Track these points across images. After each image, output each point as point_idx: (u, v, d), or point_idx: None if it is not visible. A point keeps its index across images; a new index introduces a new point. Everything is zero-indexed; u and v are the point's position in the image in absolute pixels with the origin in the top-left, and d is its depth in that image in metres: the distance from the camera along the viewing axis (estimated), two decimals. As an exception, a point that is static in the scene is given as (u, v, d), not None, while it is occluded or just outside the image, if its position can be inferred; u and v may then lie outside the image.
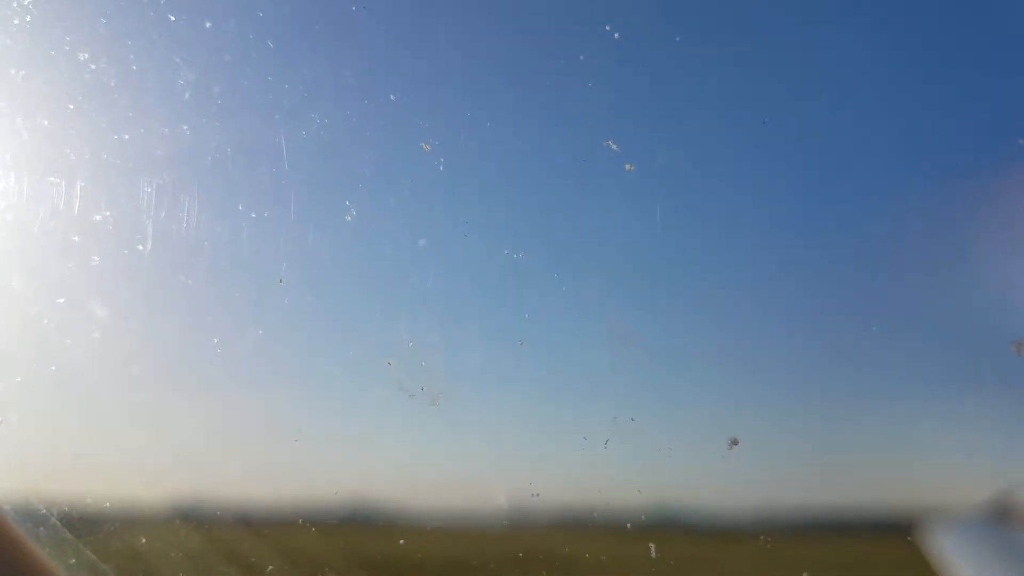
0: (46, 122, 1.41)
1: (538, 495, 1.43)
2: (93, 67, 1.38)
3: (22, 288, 1.47)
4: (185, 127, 1.41)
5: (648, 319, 1.63)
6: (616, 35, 1.32)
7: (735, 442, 1.28)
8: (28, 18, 1.37)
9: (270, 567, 1.54)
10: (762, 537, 1.74)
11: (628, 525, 1.70)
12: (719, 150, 1.56)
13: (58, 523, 1.46)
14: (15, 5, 1.37)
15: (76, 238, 1.42)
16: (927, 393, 1.68)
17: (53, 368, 1.51)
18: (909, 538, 1.67)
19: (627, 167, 1.31)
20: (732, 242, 1.60)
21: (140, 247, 1.41)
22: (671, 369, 1.69)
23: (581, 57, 1.38)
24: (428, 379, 1.51)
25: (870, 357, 1.68)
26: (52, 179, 1.43)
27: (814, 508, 1.77)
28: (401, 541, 1.65)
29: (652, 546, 1.67)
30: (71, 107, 1.40)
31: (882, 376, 1.70)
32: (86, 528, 1.47)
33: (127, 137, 1.44)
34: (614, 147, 1.31)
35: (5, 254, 1.41)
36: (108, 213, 1.43)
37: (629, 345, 1.62)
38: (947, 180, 1.58)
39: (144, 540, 1.46)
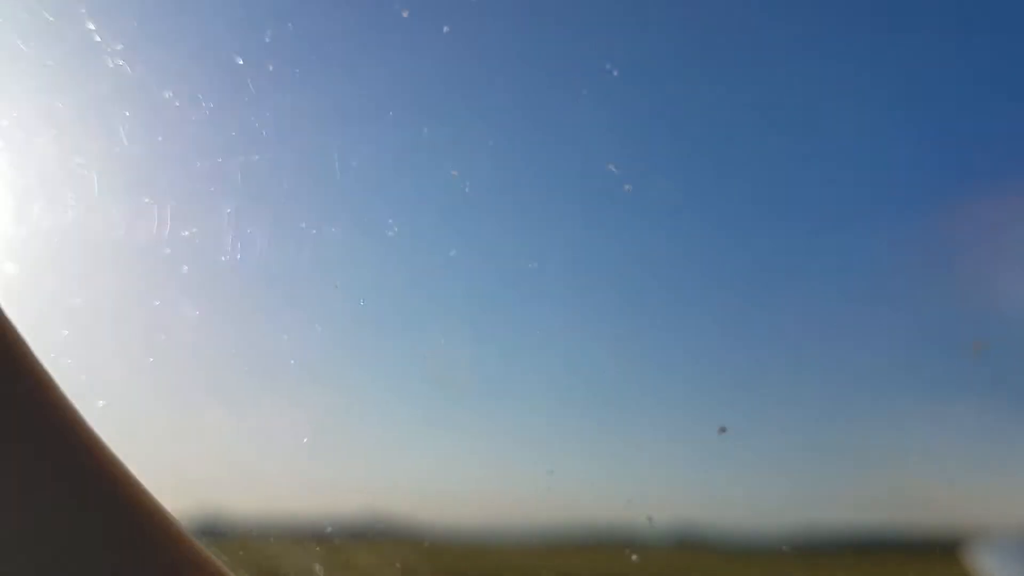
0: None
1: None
2: (178, 104, 1.47)
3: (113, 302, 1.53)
4: (256, 156, 1.48)
5: (661, 327, 1.61)
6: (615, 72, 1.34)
7: (723, 430, 1.26)
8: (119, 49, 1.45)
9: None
10: (798, 556, 1.69)
11: (646, 543, 1.67)
12: (719, 149, 1.56)
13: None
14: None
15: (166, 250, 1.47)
16: (969, 408, 1.62)
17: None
18: (953, 557, 1.61)
19: (625, 187, 1.33)
20: (748, 253, 1.58)
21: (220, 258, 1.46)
22: (690, 383, 1.66)
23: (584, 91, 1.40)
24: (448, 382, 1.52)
25: (907, 369, 1.63)
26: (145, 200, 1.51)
27: (854, 527, 1.72)
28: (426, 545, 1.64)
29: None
30: (160, 139, 1.48)
31: (922, 391, 1.65)
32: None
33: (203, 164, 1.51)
34: (614, 169, 1.34)
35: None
36: (193, 230, 1.48)
37: (645, 354, 1.61)
38: (941, 183, 1.53)
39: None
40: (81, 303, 1.53)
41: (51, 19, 1.44)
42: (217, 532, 1.65)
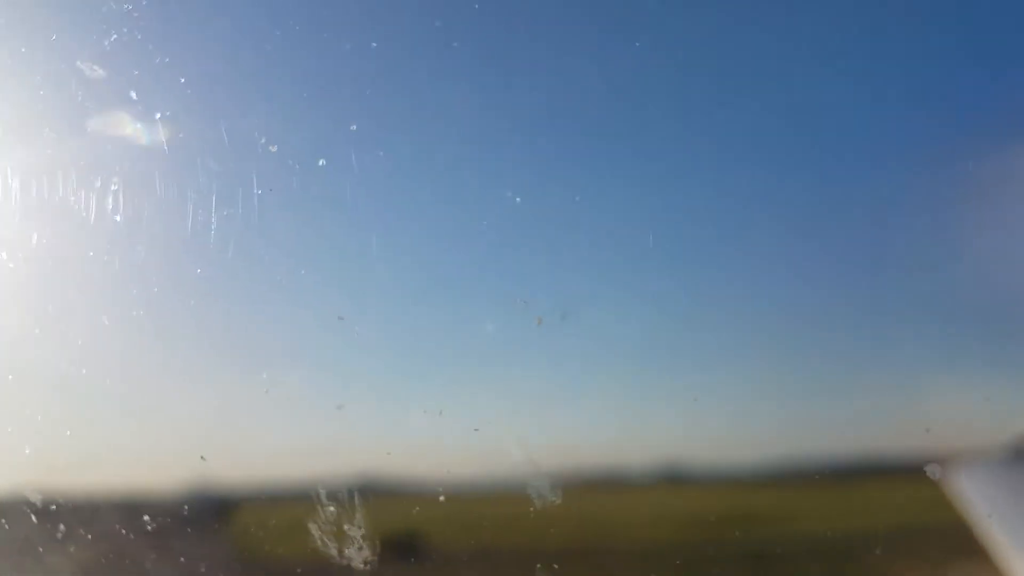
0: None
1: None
2: (168, 113, 1.44)
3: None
4: (269, 188, 1.46)
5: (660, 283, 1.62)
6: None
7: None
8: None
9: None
10: (785, 482, 1.73)
11: (638, 480, 1.70)
12: (717, 148, 1.56)
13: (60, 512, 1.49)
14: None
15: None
16: (947, 338, 1.65)
17: (84, 371, 1.54)
18: (931, 479, 1.66)
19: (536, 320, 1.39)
20: (740, 217, 1.59)
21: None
22: (681, 319, 1.68)
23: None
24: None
25: (889, 304, 1.65)
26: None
27: (835, 453, 1.77)
28: (416, 509, 1.66)
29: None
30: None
31: (901, 322, 1.67)
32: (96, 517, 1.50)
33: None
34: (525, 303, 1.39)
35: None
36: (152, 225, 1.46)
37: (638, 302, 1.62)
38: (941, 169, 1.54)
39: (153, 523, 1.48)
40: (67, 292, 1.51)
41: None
42: (211, 503, 1.66)
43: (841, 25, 1.50)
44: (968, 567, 1.66)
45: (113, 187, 1.46)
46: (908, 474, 1.72)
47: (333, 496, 1.51)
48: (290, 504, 1.63)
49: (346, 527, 1.50)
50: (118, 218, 1.48)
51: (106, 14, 1.44)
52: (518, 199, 1.49)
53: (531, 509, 1.64)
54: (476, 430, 1.52)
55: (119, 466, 1.57)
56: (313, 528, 1.48)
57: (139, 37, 1.45)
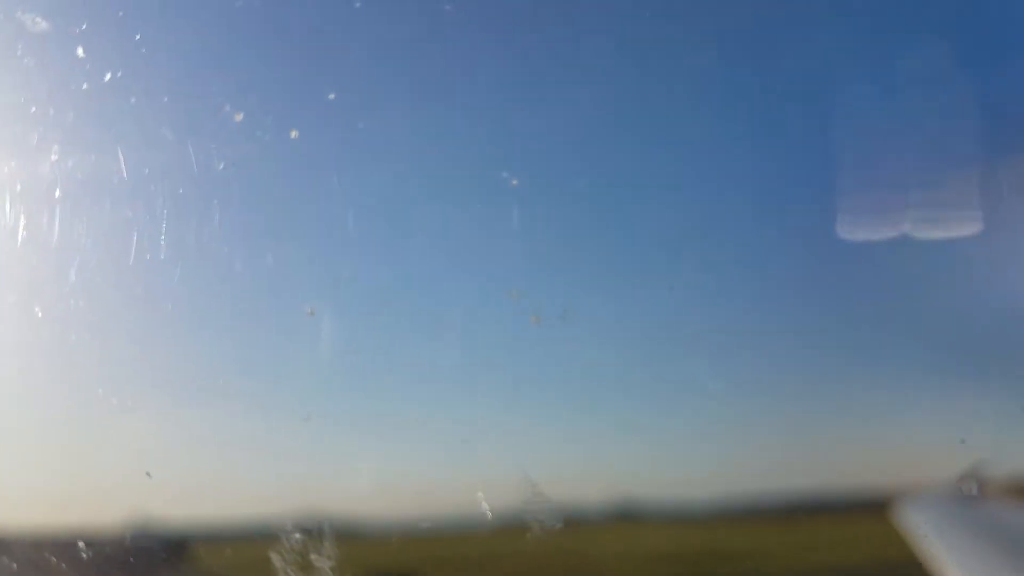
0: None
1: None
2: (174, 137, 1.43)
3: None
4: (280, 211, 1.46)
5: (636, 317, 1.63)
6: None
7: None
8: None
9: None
10: (735, 520, 1.74)
11: (596, 517, 1.70)
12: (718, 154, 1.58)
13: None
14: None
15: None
16: (901, 377, 1.68)
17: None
18: (883, 515, 1.67)
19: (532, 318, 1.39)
20: (720, 242, 1.61)
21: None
22: (652, 362, 1.69)
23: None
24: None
25: (843, 344, 1.67)
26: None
27: (791, 490, 1.77)
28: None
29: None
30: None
31: (856, 361, 1.70)
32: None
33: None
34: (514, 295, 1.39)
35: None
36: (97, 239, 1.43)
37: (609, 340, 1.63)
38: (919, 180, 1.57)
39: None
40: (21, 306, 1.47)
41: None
42: (152, 539, 1.63)
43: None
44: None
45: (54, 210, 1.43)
46: (862, 510, 1.74)
47: (296, 534, 1.48)
48: (251, 542, 1.60)
49: (315, 562, 1.47)
50: (54, 238, 1.46)
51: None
52: (514, 181, 1.47)
53: (499, 545, 1.62)
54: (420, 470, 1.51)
55: (61, 503, 1.53)
56: (278, 564, 1.45)
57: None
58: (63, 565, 1.41)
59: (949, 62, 1.49)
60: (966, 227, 1.50)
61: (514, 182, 1.44)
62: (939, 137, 1.51)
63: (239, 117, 1.41)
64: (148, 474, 1.46)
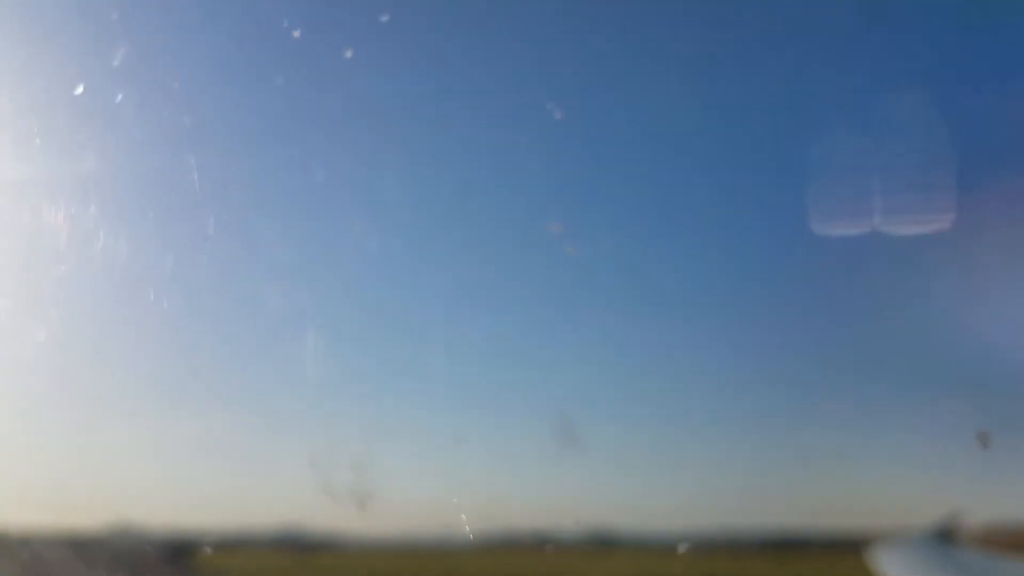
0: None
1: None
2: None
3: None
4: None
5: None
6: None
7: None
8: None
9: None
10: (708, 554, 1.74)
11: (569, 545, 1.70)
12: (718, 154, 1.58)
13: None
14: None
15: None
16: (877, 420, 1.68)
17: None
18: (856, 557, 1.67)
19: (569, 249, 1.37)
20: (698, 270, 1.61)
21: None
22: (630, 391, 1.69)
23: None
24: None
25: (823, 385, 1.67)
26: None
27: (769, 528, 1.78)
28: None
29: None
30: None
31: (834, 403, 1.70)
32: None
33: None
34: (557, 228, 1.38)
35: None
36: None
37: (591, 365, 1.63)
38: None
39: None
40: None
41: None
42: (132, 546, 1.64)
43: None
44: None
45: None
46: (836, 550, 1.73)
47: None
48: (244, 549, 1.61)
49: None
50: (61, 238, 1.47)
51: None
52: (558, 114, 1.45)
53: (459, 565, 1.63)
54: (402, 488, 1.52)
55: (45, 504, 1.55)
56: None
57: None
58: (65, 565, 1.42)
59: (937, 68, 1.48)
60: (950, 258, 1.50)
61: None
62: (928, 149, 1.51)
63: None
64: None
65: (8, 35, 1.47)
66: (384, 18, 1.44)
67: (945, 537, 1.69)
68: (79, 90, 1.48)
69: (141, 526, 1.56)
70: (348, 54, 1.47)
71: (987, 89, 1.50)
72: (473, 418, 1.63)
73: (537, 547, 1.64)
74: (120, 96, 1.48)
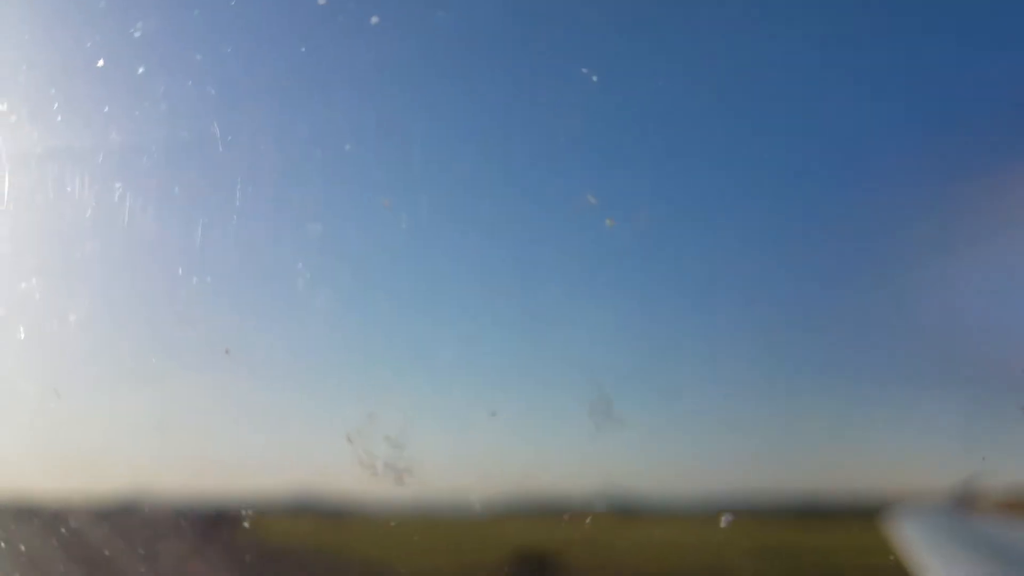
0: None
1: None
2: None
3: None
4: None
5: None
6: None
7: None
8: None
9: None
10: (736, 520, 1.77)
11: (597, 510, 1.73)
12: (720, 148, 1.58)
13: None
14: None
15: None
16: (898, 388, 1.70)
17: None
18: (875, 524, 1.70)
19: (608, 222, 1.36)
20: (724, 244, 1.62)
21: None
22: (656, 361, 1.71)
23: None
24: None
25: (844, 353, 1.69)
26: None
27: (787, 494, 1.80)
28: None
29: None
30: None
31: (855, 371, 1.71)
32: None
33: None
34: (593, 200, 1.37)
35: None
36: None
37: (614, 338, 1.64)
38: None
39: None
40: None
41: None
42: (142, 511, 1.65)
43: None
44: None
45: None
46: (854, 517, 1.76)
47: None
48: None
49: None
50: (88, 213, 1.47)
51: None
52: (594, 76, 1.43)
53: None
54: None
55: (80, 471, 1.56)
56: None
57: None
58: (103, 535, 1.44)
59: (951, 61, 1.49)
60: (964, 235, 1.52)
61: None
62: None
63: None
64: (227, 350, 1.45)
65: (29, 7, 1.45)
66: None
67: (963, 504, 1.73)
68: (101, 62, 1.46)
69: (176, 494, 1.57)
70: (374, 20, 1.46)
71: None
72: (507, 388, 1.65)
73: (567, 515, 1.66)
74: (143, 68, 1.47)
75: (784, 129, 1.63)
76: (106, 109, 1.45)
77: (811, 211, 1.67)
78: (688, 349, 1.71)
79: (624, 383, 1.67)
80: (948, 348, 1.59)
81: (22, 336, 1.45)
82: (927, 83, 1.57)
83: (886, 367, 1.66)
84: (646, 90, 1.56)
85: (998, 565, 1.74)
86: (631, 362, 1.69)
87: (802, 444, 1.74)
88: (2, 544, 1.49)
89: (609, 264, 1.66)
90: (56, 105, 1.44)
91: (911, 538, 1.71)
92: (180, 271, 1.45)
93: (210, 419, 1.59)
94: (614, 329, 1.69)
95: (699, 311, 1.73)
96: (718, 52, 1.56)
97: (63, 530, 1.49)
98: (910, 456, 1.72)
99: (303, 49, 1.50)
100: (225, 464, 1.63)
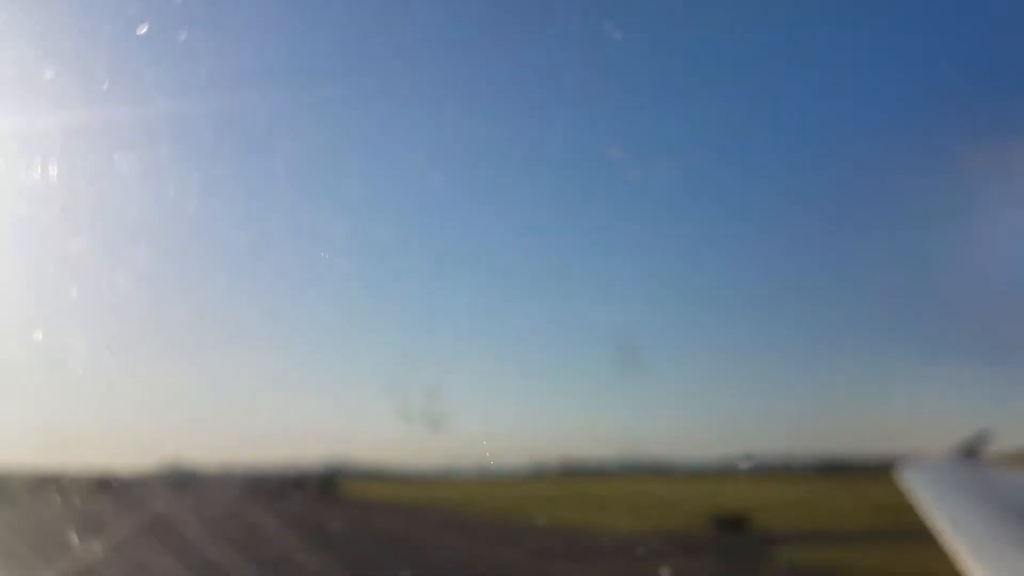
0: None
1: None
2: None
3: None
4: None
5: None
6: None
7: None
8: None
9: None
10: (740, 478, 1.83)
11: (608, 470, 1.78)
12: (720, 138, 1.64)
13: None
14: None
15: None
16: (907, 345, 1.78)
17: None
18: (886, 477, 1.77)
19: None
20: (731, 213, 1.68)
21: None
22: (666, 323, 1.77)
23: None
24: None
25: (853, 312, 1.77)
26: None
27: (798, 450, 1.88)
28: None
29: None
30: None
31: (864, 329, 1.79)
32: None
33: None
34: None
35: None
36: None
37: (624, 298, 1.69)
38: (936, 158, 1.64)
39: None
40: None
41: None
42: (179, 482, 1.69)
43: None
44: (921, 564, 1.77)
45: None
46: (866, 472, 1.84)
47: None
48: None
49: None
50: (135, 185, 1.50)
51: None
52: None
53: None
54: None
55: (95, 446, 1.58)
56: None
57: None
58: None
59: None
60: (977, 204, 1.59)
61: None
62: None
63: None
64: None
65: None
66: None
67: (971, 456, 1.80)
68: (143, 29, 1.48)
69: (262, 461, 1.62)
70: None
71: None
72: (537, 351, 1.71)
73: (594, 475, 1.73)
74: (185, 35, 1.49)
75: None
76: (149, 78, 1.47)
77: (839, 179, 1.73)
78: (718, 314, 1.77)
79: (656, 346, 1.73)
80: (962, 308, 1.67)
81: (74, 296, 1.46)
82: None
83: (902, 331, 1.73)
84: (675, 46, 1.61)
85: (1008, 517, 1.82)
86: (663, 324, 1.74)
87: (824, 406, 1.81)
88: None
89: (639, 218, 1.72)
90: (100, 75, 1.46)
91: (921, 488, 1.77)
92: (223, 238, 1.47)
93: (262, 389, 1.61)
94: (645, 288, 1.75)
95: (729, 276, 1.79)
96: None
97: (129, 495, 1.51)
98: (920, 411, 1.80)
99: (346, 19, 1.52)
100: (283, 432, 1.66)
